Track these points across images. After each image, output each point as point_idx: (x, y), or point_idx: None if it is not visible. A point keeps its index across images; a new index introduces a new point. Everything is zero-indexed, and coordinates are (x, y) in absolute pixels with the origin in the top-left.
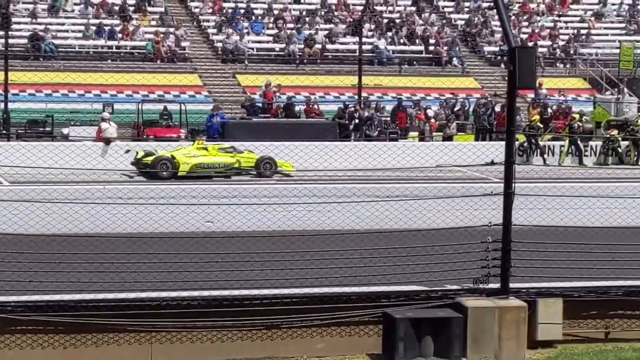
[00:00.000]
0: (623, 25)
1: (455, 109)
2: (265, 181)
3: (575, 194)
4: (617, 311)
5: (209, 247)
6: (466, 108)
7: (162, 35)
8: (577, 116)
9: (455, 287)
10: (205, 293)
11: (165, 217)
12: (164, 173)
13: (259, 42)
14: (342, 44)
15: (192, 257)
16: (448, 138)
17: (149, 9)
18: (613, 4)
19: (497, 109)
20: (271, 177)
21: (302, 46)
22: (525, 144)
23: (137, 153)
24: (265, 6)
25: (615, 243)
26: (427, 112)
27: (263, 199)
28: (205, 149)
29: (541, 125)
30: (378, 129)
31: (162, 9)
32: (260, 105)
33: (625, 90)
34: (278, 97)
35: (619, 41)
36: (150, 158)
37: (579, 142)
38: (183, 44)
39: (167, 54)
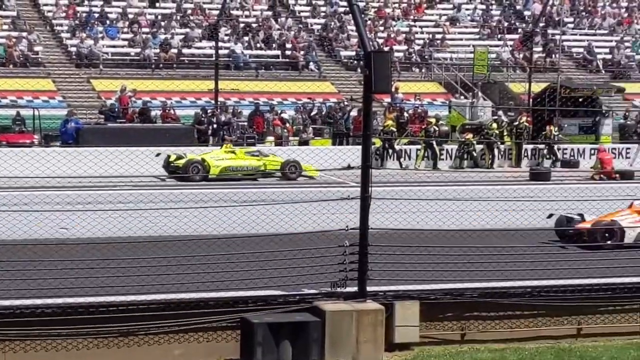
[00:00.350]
0: (477, 30)
1: (312, 113)
2: (119, 188)
3: (431, 197)
4: (472, 313)
5: (64, 254)
6: (323, 112)
7: (14, 40)
8: (433, 120)
9: (313, 291)
10: (60, 300)
11: (18, 225)
12: (197, 176)
13: (114, 46)
14: (198, 48)
15: (46, 264)
16: (305, 142)
17: (1, 12)
18: (467, 9)
19: (354, 113)
20: (296, 180)
21: (157, 51)
22: (381, 149)
23: (168, 157)
24: (120, 10)
25: (471, 245)
26: (282, 116)
27: (119, 204)
28: (233, 152)
29: (395, 130)
30: (236, 133)
31: (14, 13)
32: (115, 110)
33: (480, 94)
34: (134, 102)
35: (473, 46)
36: (182, 161)
37: (434, 145)
38: (36, 48)
39: (19, 58)
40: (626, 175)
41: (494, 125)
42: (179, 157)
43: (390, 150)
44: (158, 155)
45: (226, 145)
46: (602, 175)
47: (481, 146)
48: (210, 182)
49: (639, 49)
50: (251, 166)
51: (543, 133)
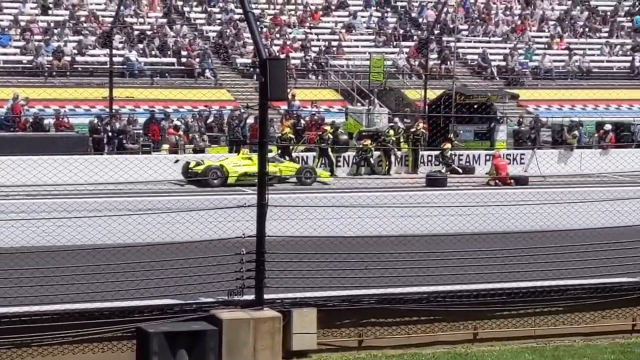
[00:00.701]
0: (373, 37)
1: (209, 121)
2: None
3: (328, 204)
4: (370, 319)
5: None
6: (219, 120)
7: None
8: (328, 128)
9: (210, 299)
10: None
11: None
12: (215, 181)
13: (5, 54)
14: (92, 56)
15: None
16: (202, 150)
17: None
18: (363, 17)
19: (251, 120)
20: (311, 185)
21: (50, 58)
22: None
23: (187, 163)
24: (12, 18)
25: (368, 252)
26: (175, 123)
27: (11, 214)
28: (250, 158)
29: (292, 137)
30: (131, 142)
31: None
32: (8, 119)
33: (376, 101)
34: (26, 111)
35: (369, 53)
36: (201, 167)
37: (329, 152)
38: None
39: None
40: (521, 181)
41: (391, 132)
42: (198, 164)
43: (288, 158)
44: (176, 162)
45: (243, 152)
46: (497, 181)
47: (378, 153)
48: (228, 187)
49: (532, 56)
50: (268, 172)
51: (441, 152)
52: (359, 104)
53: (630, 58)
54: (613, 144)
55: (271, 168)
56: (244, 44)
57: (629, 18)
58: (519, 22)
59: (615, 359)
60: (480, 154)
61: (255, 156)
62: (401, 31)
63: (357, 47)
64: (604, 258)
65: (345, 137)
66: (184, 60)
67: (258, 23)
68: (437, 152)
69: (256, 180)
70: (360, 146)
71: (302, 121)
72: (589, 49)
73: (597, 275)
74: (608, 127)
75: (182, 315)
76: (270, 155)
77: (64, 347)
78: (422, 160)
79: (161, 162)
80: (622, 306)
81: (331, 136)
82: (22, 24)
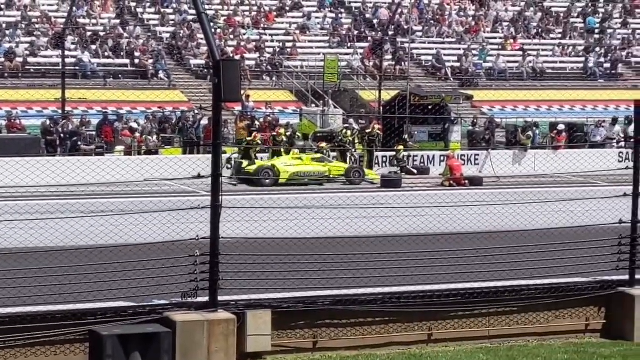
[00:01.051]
0: (327, 38)
1: (162, 122)
2: None
3: (282, 205)
4: (324, 320)
5: None
6: (174, 121)
7: None
8: (282, 130)
9: (163, 302)
10: None
11: None
12: (267, 181)
13: None
14: (44, 57)
15: None
16: (155, 152)
17: None
18: (317, 18)
19: (205, 122)
20: (360, 185)
21: (2, 60)
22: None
23: (240, 163)
24: None
25: (323, 253)
26: (131, 125)
27: None
28: (300, 158)
29: (285, 139)
30: (85, 143)
31: None
32: None
33: (331, 102)
34: None
35: (324, 54)
36: (253, 167)
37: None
38: None
39: None
40: (475, 182)
41: (348, 132)
42: (250, 164)
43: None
44: (229, 161)
45: (293, 153)
46: (451, 182)
47: (334, 154)
48: (279, 186)
49: (486, 57)
50: (317, 172)
51: (394, 154)
52: (313, 105)
53: (583, 59)
54: (565, 145)
55: (320, 168)
56: (197, 45)
57: (582, 19)
58: (473, 23)
59: (569, 359)
60: (434, 155)
61: (304, 156)
62: (355, 32)
63: (312, 48)
64: (557, 258)
65: (301, 143)
66: (137, 61)
67: (212, 24)
68: (392, 153)
69: (307, 180)
70: (317, 148)
71: (257, 122)
72: (543, 50)
73: (551, 276)
74: (561, 127)
75: (136, 318)
76: (318, 155)
77: (16, 350)
78: (376, 161)
79: (114, 164)
80: (575, 306)
81: (285, 139)
82: None
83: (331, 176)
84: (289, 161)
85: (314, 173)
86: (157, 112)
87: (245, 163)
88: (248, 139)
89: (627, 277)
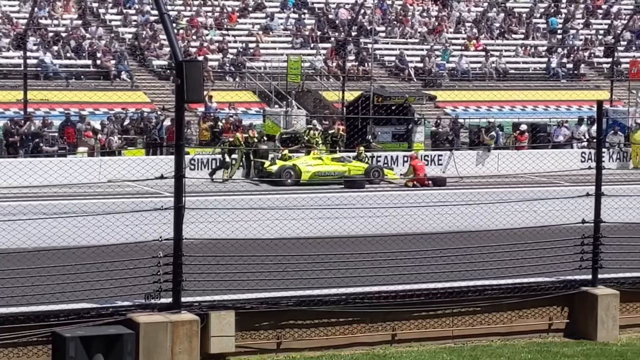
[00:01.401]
0: (290, 39)
1: (125, 123)
2: None
3: (245, 206)
4: (288, 321)
5: None
6: (136, 122)
7: None
8: (254, 133)
9: (127, 303)
10: None
11: None
12: (289, 180)
13: None
14: (5, 58)
15: None
16: (118, 153)
17: None
18: (280, 18)
19: (167, 123)
20: (379, 184)
21: None
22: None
23: (262, 163)
24: None
25: (286, 254)
26: (94, 127)
27: None
28: (320, 158)
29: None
30: (47, 145)
31: None
32: None
33: (294, 103)
34: None
35: (287, 55)
36: (275, 167)
37: (250, 155)
38: None
39: None
40: (438, 182)
41: (315, 132)
42: (272, 163)
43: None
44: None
45: (314, 153)
46: (415, 182)
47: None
48: (301, 186)
49: (449, 57)
50: (337, 171)
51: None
52: (276, 105)
53: (546, 59)
54: (528, 146)
55: (340, 168)
56: (160, 46)
57: (544, 19)
58: (435, 24)
59: (532, 358)
60: (397, 156)
61: (325, 156)
62: (319, 33)
63: (275, 48)
64: (521, 258)
65: (265, 146)
66: (99, 62)
67: (174, 25)
68: (354, 154)
69: (328, 179)
70: (285, 152)
71: (220, 123)
72: (506, 50)
73: (515, 275)
74: (524, 127)
75: (99, 319)
76: (337, 155)
77: None
78: None
79: (77, 165)
80: (539, 306)
81: (256, 141)
82: None
83: (351, 176)
84: (310, 161)
85: (334, 173)
86: (119, 113)
87: (267, 163)
88: (230, 139)
89: (589, 276)
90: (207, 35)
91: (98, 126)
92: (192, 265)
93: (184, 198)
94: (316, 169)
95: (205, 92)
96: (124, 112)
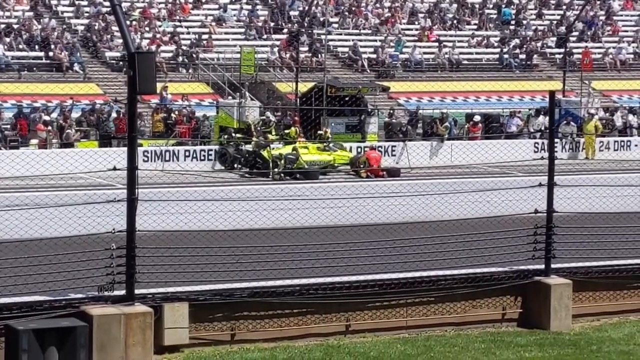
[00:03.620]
0: (243, 30)
1: (77, 115)
2: None
3: (199, 198)
4: (242, 312)
5: None
6: (89, 114)
7: None
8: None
9: (80, 295)
10: None
11: None
12: (275, 169)
13: None
14: None
15: None
16: (70, 145)
17: None
18: (233, 9)
19: (114, 114)
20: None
21: None
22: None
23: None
24: None
25: (240, 245)
26: (44, 119)
27: None
28: (306, 147)
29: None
30: None
31: None
32: None
33: (247, 94)
34: None
35: (240, 46)
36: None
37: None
38: None
39: None
40: (392, 173)
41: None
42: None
43: None
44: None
45: (299, 142)
46: (369, 173)
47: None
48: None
49: (403, 48)
50: (323, 161)
51: (319, 133)
52: (230, 97)
53: (498, 50)
54: (481, 136)
55: (325, 157)
56: (112, 38)
57: (497, 10)
58: (389, 15)
59: (486, 348)
60: (351, 147)
61: (310, 145)
62: (272, 24)
63: (228, 40)
64: (474, 248)
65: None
66: (51, 54)
67: (126, 16)
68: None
69: (323, 168)
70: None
71: (173, 115)
72: (459, 41)
73: (468, 266)
74: (477, 118)
75: (52, 312)
76: (322, 144)
77: None
78: None
79: (29, 157)
80: (492, 296)
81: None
82: None
83: (336, 165)
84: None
85: (319, 162)
86: (72, 105)
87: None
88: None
89: (542, 266)
90: (159, 26)
91: (48, 118)
92: (145, 257)
93: (136, 190)
94: (303, 159)
95: (161, 84)
96: (76, 104)
